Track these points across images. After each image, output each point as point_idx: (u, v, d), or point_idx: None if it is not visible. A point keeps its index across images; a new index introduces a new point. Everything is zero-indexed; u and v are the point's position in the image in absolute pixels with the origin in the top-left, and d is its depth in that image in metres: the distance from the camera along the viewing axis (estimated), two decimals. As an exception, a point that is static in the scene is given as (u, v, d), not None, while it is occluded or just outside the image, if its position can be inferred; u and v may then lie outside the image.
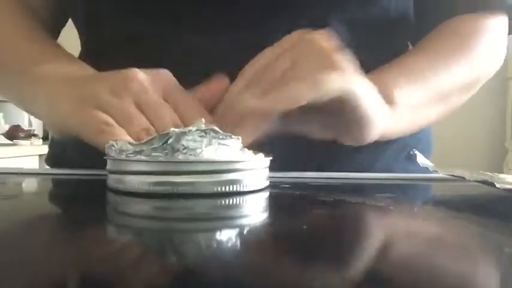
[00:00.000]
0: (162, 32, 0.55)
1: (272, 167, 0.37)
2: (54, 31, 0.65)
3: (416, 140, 0.61)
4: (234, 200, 0.34)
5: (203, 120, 0.36)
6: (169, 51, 0.54)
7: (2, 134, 2.39)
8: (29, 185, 0.44)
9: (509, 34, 0.62)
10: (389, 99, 0.49)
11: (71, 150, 0.59)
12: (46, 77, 0.50)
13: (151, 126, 0.43)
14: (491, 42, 0.60)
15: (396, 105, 0.50)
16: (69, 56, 0.55)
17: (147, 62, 0.47)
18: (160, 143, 0.34)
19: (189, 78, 0.47)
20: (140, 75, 0.45)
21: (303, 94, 0.41)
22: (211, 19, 0.54)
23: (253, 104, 0.42)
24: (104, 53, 0.59)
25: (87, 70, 0.51)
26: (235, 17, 0.54)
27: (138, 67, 0.46)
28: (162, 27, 0.55)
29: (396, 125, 0.52)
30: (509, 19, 0.61)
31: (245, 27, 0.53)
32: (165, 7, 0.55)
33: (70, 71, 0.50)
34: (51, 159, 0.66)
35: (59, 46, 0.58)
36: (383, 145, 0.55)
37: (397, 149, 0.59)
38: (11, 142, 2.34)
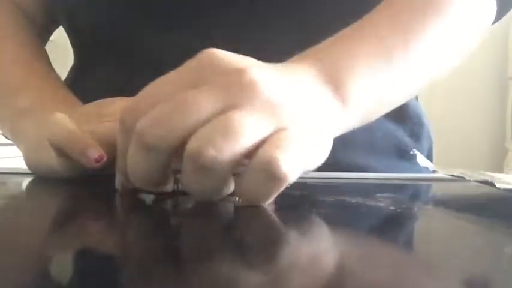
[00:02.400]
0: (135, 31, 0.55)
1: None
2: (46, 32, 0.65)
3: (416, 139, 0.61)
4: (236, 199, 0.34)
5: None
6: (142, 50, 0.55)
7: (2, 134, 2.39)
8: (29, 185, 0.44)
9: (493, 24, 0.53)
10: (342, 95, 0.38)
11: None
12: (29, 112, 0.49)
13: None
14: None
15: (352, 100, 0.38)
16: (53, 80, 0.54)
17: (123, 64, 0.46)
18: None
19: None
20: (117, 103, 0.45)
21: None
22: (190, 18, 0.54)
23: None
24: (87, 58, 0.59)
25: (71, 101, 0.51)
26: (213, 16, 0.54)
27: (116, 69, 0.45)
28: (136, 26, 0.55)
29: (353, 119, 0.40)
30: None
31: (220, 26, 0.53)
32: (137, 6, 0.55)
33: (51, 102, 0.50)
34: None
35: (46, 66, 0.56)
36: (382, 144, 0.55)
37: (397, 149, 0.59)
38: (11, 142, 2.34)
